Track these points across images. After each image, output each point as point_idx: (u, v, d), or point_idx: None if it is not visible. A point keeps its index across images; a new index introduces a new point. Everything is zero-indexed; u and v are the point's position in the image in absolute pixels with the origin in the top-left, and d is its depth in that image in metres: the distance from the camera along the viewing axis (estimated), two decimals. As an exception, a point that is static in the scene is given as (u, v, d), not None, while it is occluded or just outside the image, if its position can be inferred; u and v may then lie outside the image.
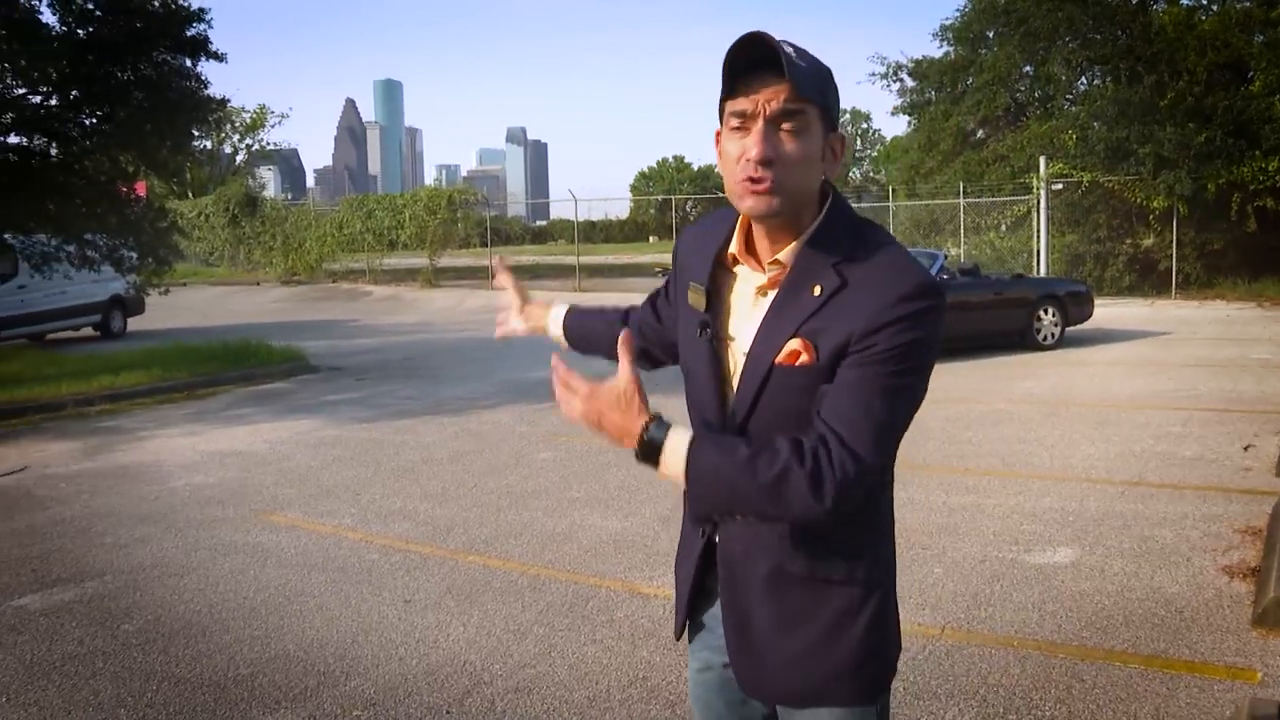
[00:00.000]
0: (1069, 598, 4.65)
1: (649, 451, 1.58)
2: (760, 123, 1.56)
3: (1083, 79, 25.65)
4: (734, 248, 1.73)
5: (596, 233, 58.49)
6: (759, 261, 1.70)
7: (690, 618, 1.91)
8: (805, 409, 1.60)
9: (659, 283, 2.05)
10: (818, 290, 1.61)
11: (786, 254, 1.65)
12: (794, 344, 1.60)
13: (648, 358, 2.10)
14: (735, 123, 1.59)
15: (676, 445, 1.57)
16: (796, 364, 1.60)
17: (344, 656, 4.22)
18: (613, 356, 1.93)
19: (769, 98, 1.55)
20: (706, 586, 1.85)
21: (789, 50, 1.56)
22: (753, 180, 1.57)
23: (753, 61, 1.55)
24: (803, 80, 1.55)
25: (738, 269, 1.74)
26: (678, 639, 1.97)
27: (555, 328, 2.28)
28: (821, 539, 1.68)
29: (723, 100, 1.61)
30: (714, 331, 1.73)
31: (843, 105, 1.71)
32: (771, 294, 1.67)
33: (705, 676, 1.91)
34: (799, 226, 1.65)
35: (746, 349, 1.67)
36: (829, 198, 1.68)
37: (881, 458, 1.56)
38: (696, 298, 1.76)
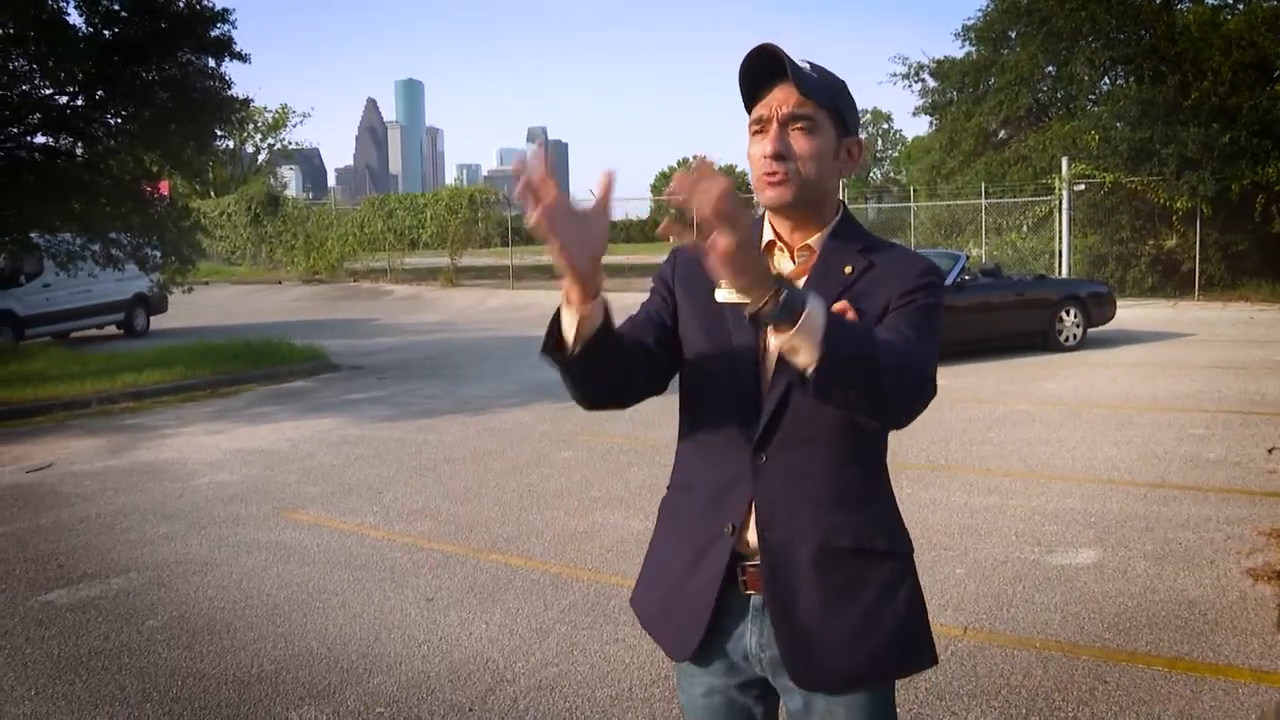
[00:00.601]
0: (1091, 599, 4.64)
1: (791, 301, 1.45)
2: (774, 125, 1.74)
3: (1106, 79, 25.51)
4: (769, 236, 1.83)
5: (617, 232, 58.41)
6: (789, 251, 1.81)
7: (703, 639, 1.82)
8: None
9: None
10: (849, 269, 1.77)
11: (816, 240, 1.80)
12: (838, 305, 1.70)
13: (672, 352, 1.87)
14: (756, 128, 1.77)
15: (813, 299, 1.47)
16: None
17: (366, 654, 4.24)
18: (625, 395, 1.81)
19: (780, 103, 1.73)
20: (726, 605, 1.80)
21: (796, 60, 1.73)
22: (769, 175, 1.74)
23: (769, 71, 1.73)
24: (809, 86, 1.72)
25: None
26: (682, 659, 1.86)
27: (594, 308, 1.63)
28: (865, 507, 1.77)
29: (747, 110, 1.78)
30: None
31: (864, 106, 1.78)
32: (800, 282, 1.77)
33: (710, 701, 1.86)
34: (821, 220, 1.81)
35: None
36: (841, 206, 1.86)
37: (934, 373, 1.68)
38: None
